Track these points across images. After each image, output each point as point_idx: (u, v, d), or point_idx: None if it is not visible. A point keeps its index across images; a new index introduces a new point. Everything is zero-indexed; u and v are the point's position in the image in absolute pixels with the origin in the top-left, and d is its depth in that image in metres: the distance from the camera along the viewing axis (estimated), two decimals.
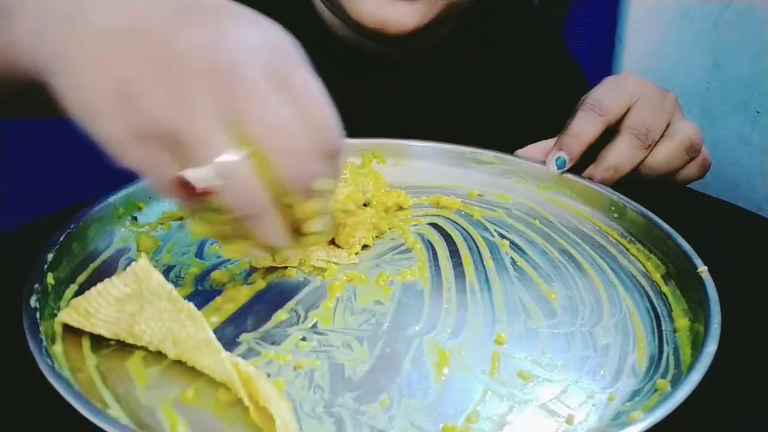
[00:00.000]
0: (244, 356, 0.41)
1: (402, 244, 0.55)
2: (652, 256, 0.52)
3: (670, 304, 0.48)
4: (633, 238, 0.55)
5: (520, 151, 0.65)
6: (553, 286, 0.50)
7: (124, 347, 0.40)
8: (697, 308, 0.45)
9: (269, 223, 0.36)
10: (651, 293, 0.49)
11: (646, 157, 0.62)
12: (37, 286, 0.41)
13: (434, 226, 0.58)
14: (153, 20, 0.33)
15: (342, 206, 0.53)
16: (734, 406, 0.41)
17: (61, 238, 0.46)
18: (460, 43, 0.80)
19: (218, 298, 0.46)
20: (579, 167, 0.62)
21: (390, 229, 0.56)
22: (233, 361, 0.37)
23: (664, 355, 0.43)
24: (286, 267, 0.49)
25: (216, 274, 0.48)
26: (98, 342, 0.41)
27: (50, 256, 0.44)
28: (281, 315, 0.45)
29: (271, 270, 0.49)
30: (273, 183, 0.35)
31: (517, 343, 0.44)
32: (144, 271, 0.39)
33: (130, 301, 0.39)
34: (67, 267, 0.46)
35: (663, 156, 0.62)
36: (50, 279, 0.43)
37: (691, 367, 0.38)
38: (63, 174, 0.99)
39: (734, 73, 1.21)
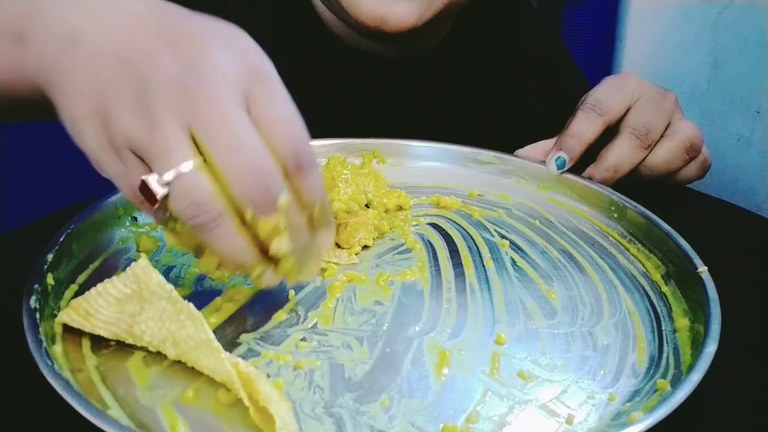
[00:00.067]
0: (244, 356, 0.41)
1: (402, 245, 0.55)
2: (652, 256, 0.52)
3: (670, 304, 0.48)
4: (633, 238, 0.55)
5: (520, 151, 0.65)
6: (553, 286, 0.50)
7: (124, 347, 0.41)
8: (697, 308, 0.45)
9: (225, 234, 0.38)
10: (651, 293, 0.49)
11: (645, 157, 0.62)
12: (37, 286, 0.41)
13: (434, 226, 0.58)
14: (137, 44, 0.36)
15: (345, 207, 0.53)
16: (734, 406, 0.41)
17: (61, 239, 0.46)
18: (460, 43, 0.80)
19: (218, 299, 0.46)
20: (579, 167, 0.62)
21: (390, 229, 0.56)
22: (233, 361, 0.37)
23: (664, 355, 0.43)
24: None
25: (216, 275, 0.48)
26: (98, 342, 0.41)
27: (50, 257, 0.44)
28: (281, 315, 0.45)
29: None
30: (232, 197, 0.37)
31: (517, 343, 0.44)
32: (144, 271, 0.39)
33: (130, 301, 0.39)
34: (67, 267, 0.46)
35: (663, 156, 0.62)
36: (50, 279, 0.43)
37: (691, 367, 0.38)
38: (63, 174, 0.99)
39: (734, 73, 1.21)
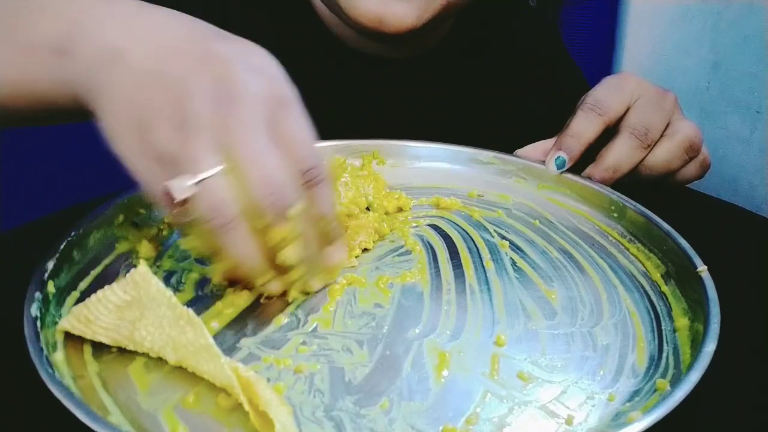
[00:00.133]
0: (245, 361, 0.41)
1: (402, 246, 0.55)
2: (651, 255, 0.52)
3: (669, 304, 0.48)
4: (633, 238, 0.55)
5: (519, 151, 0.65)
6: (553, 286, 0.50)
7: (125, 353, 0.41)
8: (697, 308, 0.45)
9: (238, 237, 0.41)
10: (651, 293, 0.49)
11: (645, 156, 0.62)
12: (38, 294, 0.42)
13: (434, 227, 0.58)
14: (174, 64, 0.41)
15: (346, 210, 0.53)
16: (734, 406, 0.41)
17: (62, 246, 0.46)
18: (460, 43, 0.80)
19: (219, 303, 0.46)
20: (579, 167, 0.62)
21: (390, 231, 0.56)
22: (233, 366, 0.37)
23: (664, 354, 0.43)
24: None
25: (217, 279, 0.48)
26: (100, 348, 0.41)
27: (51, 264, 0.44)
28: (281, 319, 0.45)
29: None
30: (248, 206, 0.41)
31: (517, 344, 0.44)
32: (143, 277, 0.39)
33: (130, 308, 0.39)
34: (68, 275, 0.46)
35: (662, 156, 0.62)
36: (51, 287, 0.43)
37: (690, 367, 0.38)
38: (63, 174, 1.00)
39: (734, 73, 1.20)
